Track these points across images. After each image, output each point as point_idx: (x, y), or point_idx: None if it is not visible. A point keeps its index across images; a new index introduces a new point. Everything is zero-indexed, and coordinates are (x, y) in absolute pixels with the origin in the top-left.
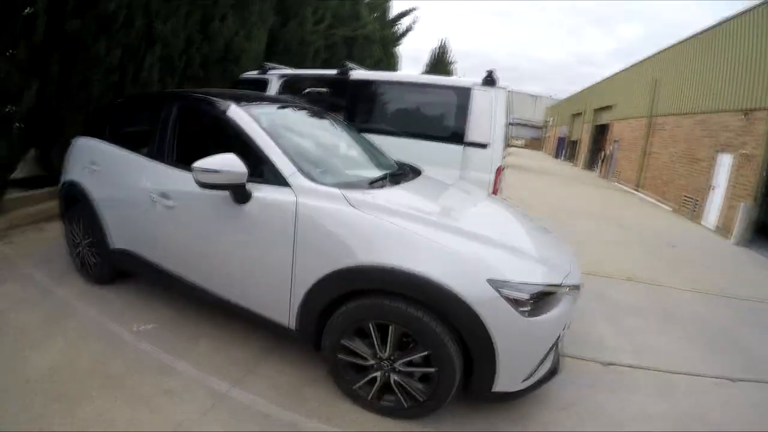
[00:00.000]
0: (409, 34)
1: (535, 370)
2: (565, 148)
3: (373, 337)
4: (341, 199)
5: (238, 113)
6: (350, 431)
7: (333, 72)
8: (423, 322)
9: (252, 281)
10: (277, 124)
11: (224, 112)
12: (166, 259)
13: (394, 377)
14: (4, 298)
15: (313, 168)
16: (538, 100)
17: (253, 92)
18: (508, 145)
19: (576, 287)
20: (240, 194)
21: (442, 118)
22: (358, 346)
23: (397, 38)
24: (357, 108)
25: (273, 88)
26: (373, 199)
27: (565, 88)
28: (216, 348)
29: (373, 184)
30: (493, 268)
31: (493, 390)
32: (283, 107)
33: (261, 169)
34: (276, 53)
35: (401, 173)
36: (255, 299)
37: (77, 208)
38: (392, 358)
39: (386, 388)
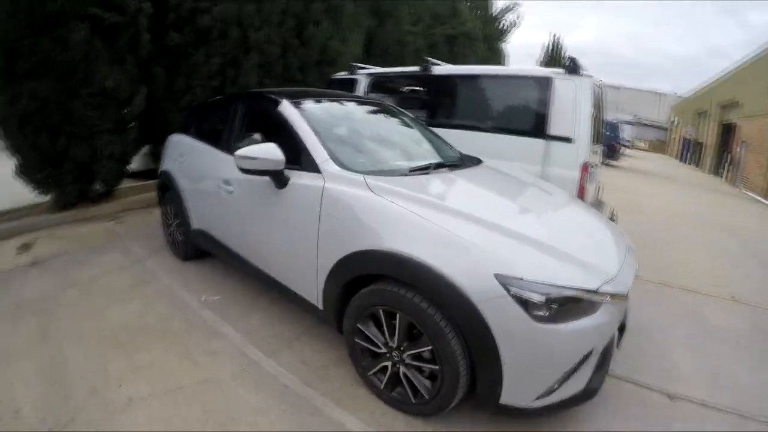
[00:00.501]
0: (524, 30)
1: (556, 388)
2: (690, 151)
3: (384, 324)
4: (362, 185)
5: (287, 108)
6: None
7: (416, 69)
8: (427, 313)
9: (290, 261)
10: (325, 117)
11: (277, 107)
12: (230, 240)
13: (402, 369)
14: (104, 265)
15: (348, 156)
16: (662, 98)
17: (317, 90)
18: (624, 145)
19: (621, 296)
20: (278, 180)
21: (522, 110)
22: (372, 331)
23: (502, 35)
24: (438, 104)
25: (361, 87)
26: (394, 186)
27: (694, 84)
28: (266, 322)
29: (414, 171)
30: (504, 262)
31: (500, 402)
32: (340, 103)
33: (301, 157)
34: (374, 54)
35: (454, 164)
36: (293, 279)
37: (169, 194)
38: (401, 348)
39: (398, 379)
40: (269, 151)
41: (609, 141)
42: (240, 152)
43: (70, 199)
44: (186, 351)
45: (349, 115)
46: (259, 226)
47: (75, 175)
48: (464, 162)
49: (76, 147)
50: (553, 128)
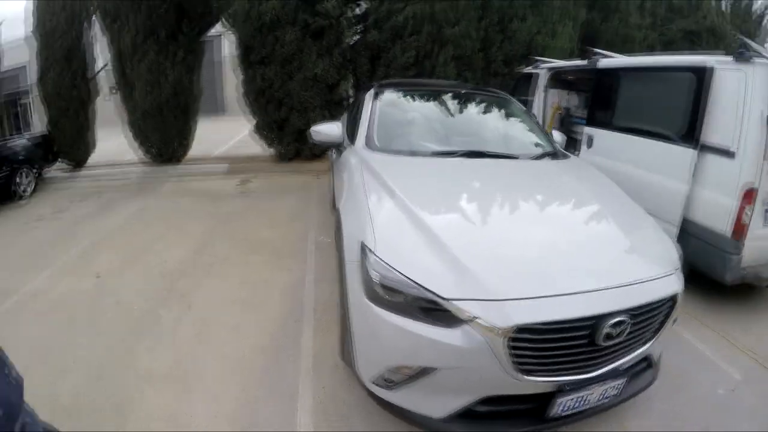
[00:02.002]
0: None
1: (392, 385)
2: None
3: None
4: (359, 157)
5: (368, 94)
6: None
7: (584, 62)
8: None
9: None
10: (394, 105)
11: (366, 92)
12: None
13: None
14: (283, 203)
15: (380, 137)
16: None
17: (422, 81)
18: None
19: (493, 328)
20: (337, 149)
21: (672, 109)
22: None
23: (764, 34)
24: (597, 101)
25: (541, 81)
26: (374, 162)
27: None
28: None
29: (437, 155)
30: (377, 234)
31: (355, 368)
32: (432, 93)
33: (353, 134)
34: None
35: (499, 155)
36: None
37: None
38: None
39: None
40: (331, 128)
41: None
42: (312, 127)
43: (288, 155)
44: (276, 262)
45: (427, 104)
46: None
47: (293, 137)
48: (533, 155)
49: (294, 117)
50: (708, 135)
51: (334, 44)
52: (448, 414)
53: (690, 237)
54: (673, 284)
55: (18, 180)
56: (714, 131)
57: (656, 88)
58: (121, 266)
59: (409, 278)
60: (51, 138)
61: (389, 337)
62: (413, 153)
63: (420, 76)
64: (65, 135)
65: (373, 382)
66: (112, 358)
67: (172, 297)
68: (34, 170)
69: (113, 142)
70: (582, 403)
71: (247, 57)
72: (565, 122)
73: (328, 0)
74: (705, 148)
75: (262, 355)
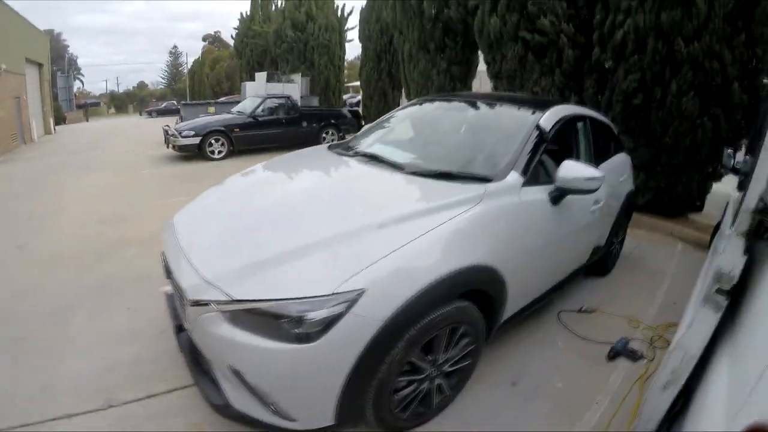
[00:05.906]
0: None
1: None
2: None
3: None
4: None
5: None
6: None
7: None
8: None
9: None
10: (420, 112)
11: None
12: None
13: None
14: None
15: (365, 138)
16: None
17: (467, 93)
18: None
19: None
20: None
21: None
22: None
23: None
24: None
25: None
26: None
27: None
28: None
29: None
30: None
31: None
32: (460, 103)
33: None
34: None
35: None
36: None
37: None
38: None
39: None
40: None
41: None
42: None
43: None
44: None
45: (438, 114)
46: None
47: None
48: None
49: None
50: None
51: (556, 64)
52: None
53: None
54: (191, 279)
55: (324, 135)
56: None
57: None
58: None
59: None
60: (359, 114)
61: None
62: (340, 152)
63: (647, 107)
64: (368, 113)
65: None
66: None
67: None
68: (339, 131)
69: None
70: (180, 313)
71: (488, 71)
72: None
73: (545, 16)
74: None
75: None
